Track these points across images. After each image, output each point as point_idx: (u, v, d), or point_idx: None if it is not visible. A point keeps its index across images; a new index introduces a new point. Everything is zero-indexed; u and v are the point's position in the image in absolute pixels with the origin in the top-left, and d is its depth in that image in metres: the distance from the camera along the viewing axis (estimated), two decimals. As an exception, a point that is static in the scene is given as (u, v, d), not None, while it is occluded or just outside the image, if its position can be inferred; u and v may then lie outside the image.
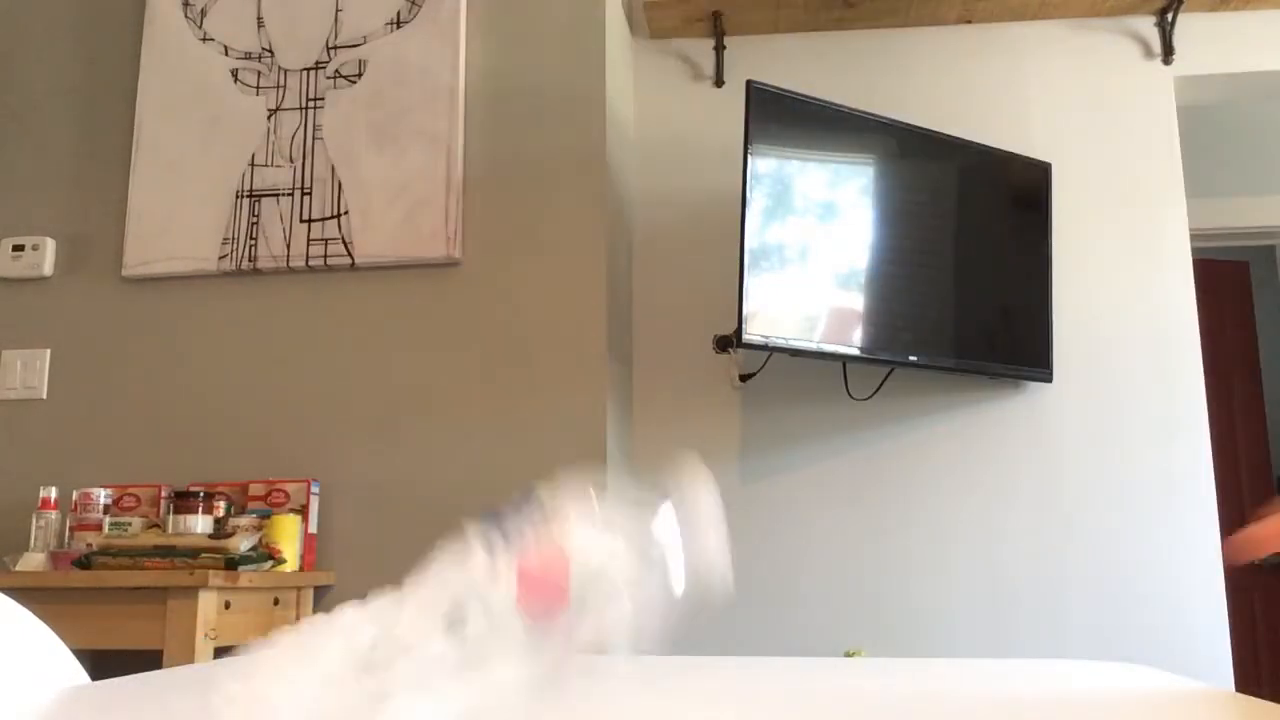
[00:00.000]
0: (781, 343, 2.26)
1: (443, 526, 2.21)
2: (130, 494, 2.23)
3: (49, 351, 2.41)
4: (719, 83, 2.76)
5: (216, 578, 1.78)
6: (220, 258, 2.37)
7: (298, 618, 2.14)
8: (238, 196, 2.40)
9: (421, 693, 0.46)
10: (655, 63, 2.80)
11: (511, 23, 2.44)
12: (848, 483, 2.55)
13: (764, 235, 2.25)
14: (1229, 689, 1.24)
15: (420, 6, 2.42)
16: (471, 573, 0.50)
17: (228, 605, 1.85)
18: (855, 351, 2.35)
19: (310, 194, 2.38)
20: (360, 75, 2.41)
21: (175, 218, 2.41)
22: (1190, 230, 2.65)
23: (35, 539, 2.14)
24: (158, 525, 2.04)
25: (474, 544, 0.51)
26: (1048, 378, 2.51)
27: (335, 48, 2.44)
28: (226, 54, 2.48)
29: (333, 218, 2.36)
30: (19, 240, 2.46)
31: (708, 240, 2.65)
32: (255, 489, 2.22)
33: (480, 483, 2.23)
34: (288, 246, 2.36)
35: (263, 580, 1.93)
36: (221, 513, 2.10)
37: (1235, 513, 3.70)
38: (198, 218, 2.40)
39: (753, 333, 2.20)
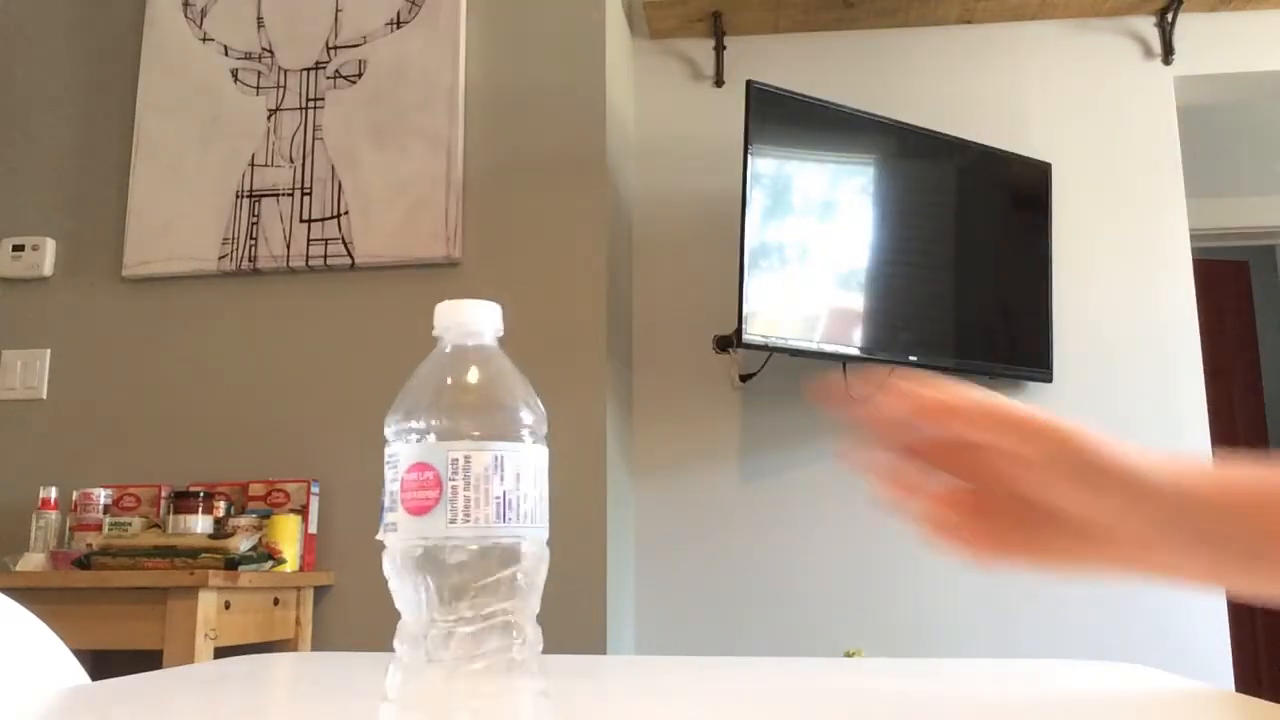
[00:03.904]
0: (781, 343, 2.26)
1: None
2: (130, 494, 2.23)
3: (49, 351, 2.41)
4: (719, 83, 2.76)
5: (216, 578, 1.78)
6: (220, 258, 2.37)
7: (298, 618, 2.14)
8: (238, 196, 2.40)
9: None
10: (655, 63, 2.80)
11: (511, 23, 2.44)
12: (848, 483, 2.55)
13: (764, 235, 2.25)
14: (1229, 689, 1.24)
15: (420, 6, 2.42)
16: None
17: (228, 605, 1.85)
18: (855, 351, 2.35)
19: (310, 194, 2.38)
20: (360, 75, 2.41)
21: (175, 218, 2.41)
22: (1190, 230, 2.65)
23: (35, 539, 2.14)
24: (158, 525, 2.04)
25: None
26: (1048, 378, 2.51)
27: (335, 48, 2.44)
28: (226, 54, 2.48)
29: (333, 218, 2.36)
30: (19, 240, 2.46)
31: (708, 240, 2.65)
32: (255, 489, 2.22)
33: (480, 483, 2.23)
34: (288, 246, 2.36)
35: (263, 580, 1.93)
36: (221, 513, 2.10)
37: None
38: (198, 218, 2.40)
39: (753, 333, 2.20)
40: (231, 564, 1.85)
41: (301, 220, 2.37)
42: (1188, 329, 2.56)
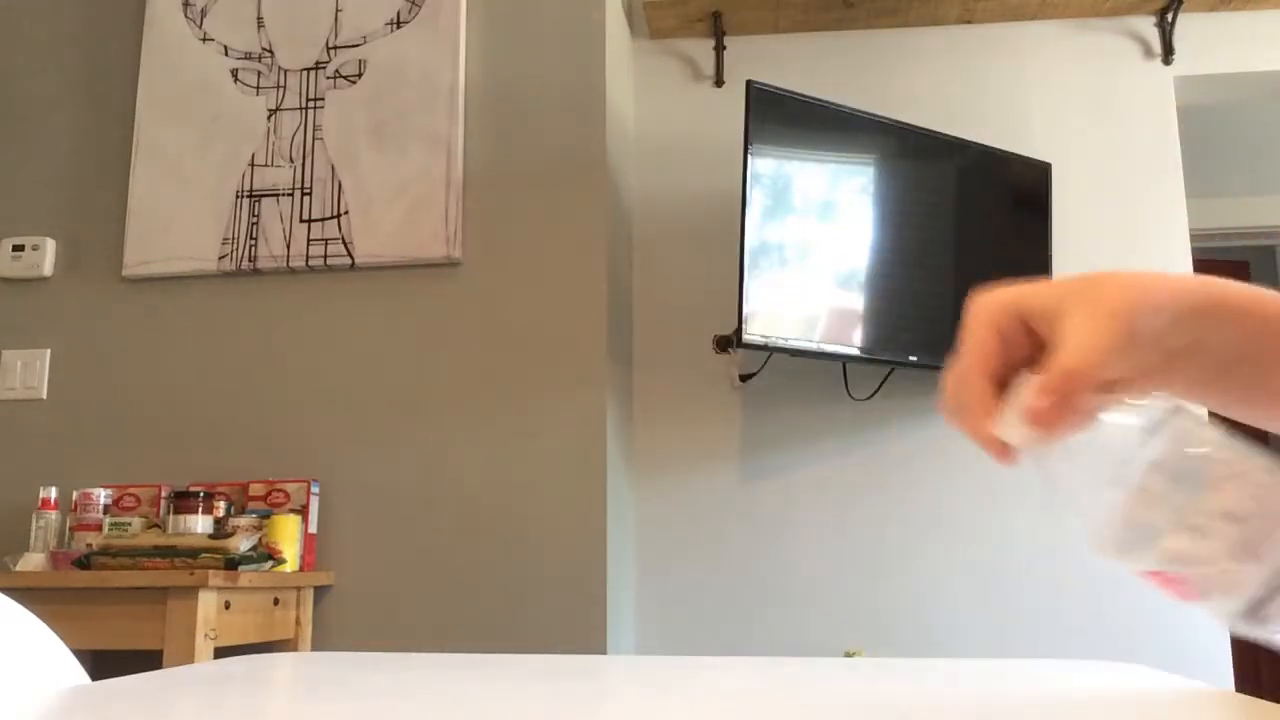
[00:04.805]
0: (781, 343, 2.26)
1: (443, 526, 2.22)
2: (130, 494, 2.23)
3: (49, 351, 2.41)
4: (719, 83, 2.76)
5: (216, 578, 1.78)
6: (220, 258, 2.37)
7: (298, 618, 2.14)
8: (238, 196, 2.40)
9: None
10: (655, 63, 2.80)
11: (511, 23, 2.44)
12: (848, 483, 2.55)
13: (764, 235, 2.26)
14: (1229, 689, 1.24)
15: (420, 6, 2.42)
16: None
17: (228, 605, 1.85)
18: (855, 351, 2.35)
19: (310, 194, 2.38)
20: (360, 75, 2.42)
21: (175, 218, 2.41)
22: (1190, 230, 2.65)
23: (35, 539, 2.14)
24: (158, 525, 2.04)
25: None
26: (1048, 378, 2.50)
27: (335, 48, 2.44)
28: (226, 54, 2.48)
29: (333, 218, 2.36)
30: (19, 240, 2.46)
31: (708, 240, 2.65)
32: (255, 489, 2.22)
33: (480, 483, 2.23)
34: (288, 246, 2.36)
35: (263, 580, 1.93)
36: (221, 513, 2.10)
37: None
38: (198, 218, 2.40)
39: (753, 333, 2.20)
40: (231, 564, 1.85)
41: (301, 220, 2.37)
42: (1188, 329, 2.56)
